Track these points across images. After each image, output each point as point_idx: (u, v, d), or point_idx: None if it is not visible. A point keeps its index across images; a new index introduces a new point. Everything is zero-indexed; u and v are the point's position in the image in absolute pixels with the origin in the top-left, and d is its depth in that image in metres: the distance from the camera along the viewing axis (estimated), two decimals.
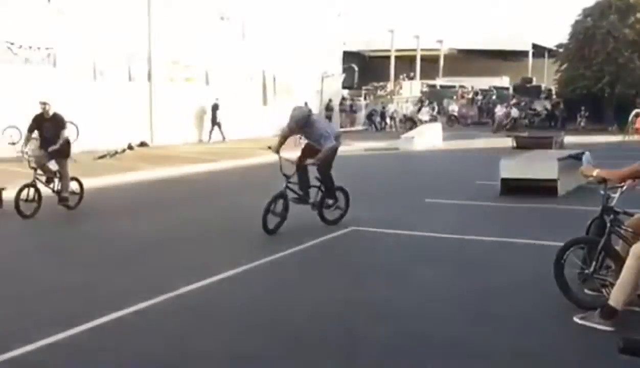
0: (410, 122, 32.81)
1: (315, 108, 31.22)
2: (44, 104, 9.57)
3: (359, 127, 35.51)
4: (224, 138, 23.78)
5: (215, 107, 23.77)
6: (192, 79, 23.30)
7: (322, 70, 31.56)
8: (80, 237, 8.67)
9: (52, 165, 9.86)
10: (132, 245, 7.85)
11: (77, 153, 17.04)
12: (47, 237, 8.82)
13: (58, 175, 9.82)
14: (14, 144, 16.11)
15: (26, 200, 9.28)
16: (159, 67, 21.62)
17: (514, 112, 34.30)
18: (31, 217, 9.25)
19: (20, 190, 9.33)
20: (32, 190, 9.44)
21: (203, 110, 24.14)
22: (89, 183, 12.90)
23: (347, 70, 36.57)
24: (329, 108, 32.06)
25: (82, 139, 17.38)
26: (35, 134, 9.88)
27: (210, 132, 24.04)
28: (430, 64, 49.67)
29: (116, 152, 17.87)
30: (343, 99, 37.21)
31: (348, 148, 23.23)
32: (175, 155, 18.23)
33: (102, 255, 7.29)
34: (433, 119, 33.01)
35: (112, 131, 18.68)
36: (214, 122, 23.86)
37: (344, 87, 37.16)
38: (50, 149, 9.43)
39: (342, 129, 24.81)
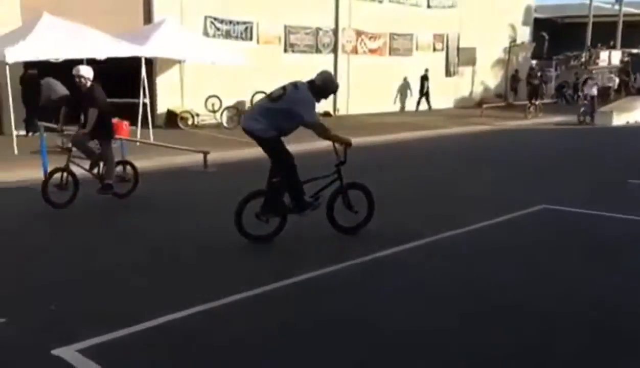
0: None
1: (500, 79, 29.78)
2: (78, 76, 7.98)
3: (548, 100, 33.22)
4: (430, 108, 24.82)
5: (424, 78, 24.58)
6: (376, 50, 23.45)
7: (509, 39, 29.91)
8: None
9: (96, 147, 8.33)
10: None
11: None
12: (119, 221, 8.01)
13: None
14: (214, 112, 17.70)
15: (59, 186, 7.92)
16: (344, 37, 22.07)
17: None
18: (64, 207, 7.83)
19: (50, 174, 7.98)
20: (64, 175, 7.99)
21: (395, 80, 24.47)
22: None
23: (537, 38, 34.26)
24: (515, 79, 30.37)
25: None
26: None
27: (418, 103, 24.80)
28: (634, 30, 44.63)
29: None
30: (531, 69, 34.99)
31: (538, 121, 22.02)
32: (360, 125, 18.58)
33: None
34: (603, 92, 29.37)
35: None
36: (422, 92, 24.75)
37: (533, 57, 34.88)
38: (81, 131, 8.04)
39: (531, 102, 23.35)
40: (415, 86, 24.77)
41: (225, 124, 17.20)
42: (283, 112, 6.02)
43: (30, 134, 14.43)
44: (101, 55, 13.41)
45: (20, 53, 12.38)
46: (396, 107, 24.60)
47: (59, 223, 7.45)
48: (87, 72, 8.03)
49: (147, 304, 4.82)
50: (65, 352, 3.94)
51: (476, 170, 11.59)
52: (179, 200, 8.77)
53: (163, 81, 17.49)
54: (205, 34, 17.98)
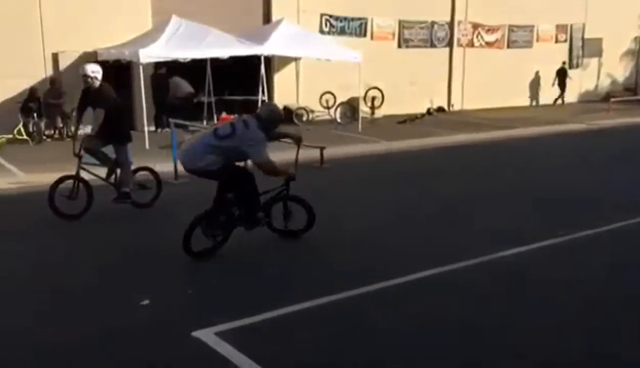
0: None
1: (629, 71, 27.78)
2: (84, 75, 7.35)
3: None
4: (562, 102, 24.08)
5: (561, 72, 23.91)
6: (493, 43, 22.71)
7: (639, 28, 27.78)
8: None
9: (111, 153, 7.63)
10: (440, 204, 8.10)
11: (380, 117, 18.46)
12: None
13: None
14: (328, 108, 17.97)
15: (69, 196, 7.20)
16: (460, 31, 21.57)
17: None
18: (77, 218, 7.17)
19: (57, 183, 7.20)
20: (75, 183, 7.27)
21: (513, 74, 23.63)
22: (395, 145, 13.72)
23: None
24: None
25: (386, 104, 18.56)
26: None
27: (560, 97, 24.14)
28: None
29: (416, 117, 18.58)
30: None
31: None
32: (469, 121, 18.11)
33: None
34: None
35: (413, 96, 19.48)
36: (563, 86, 24.05)
37: None
38: (88, 132, 7.45)
39: None
40: (547, 80, 23.84)
41: (338, 120, 17.41)
42: (230, 149, 5.79)
43: (159, 129, 15.39)
44: (224, 55, 14.04)
45: (151, 54, 13.25)
46: (518, 102, 23.62)
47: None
48: (93, 70, 7.36)
49: (281, 292, 5.03)
50: (205, 334, 4.20)
51: (604, 169, 10.94)
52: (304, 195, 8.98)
53: (280, 78, 18.00)
54: (321, 31, 18.28)
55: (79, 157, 7.29)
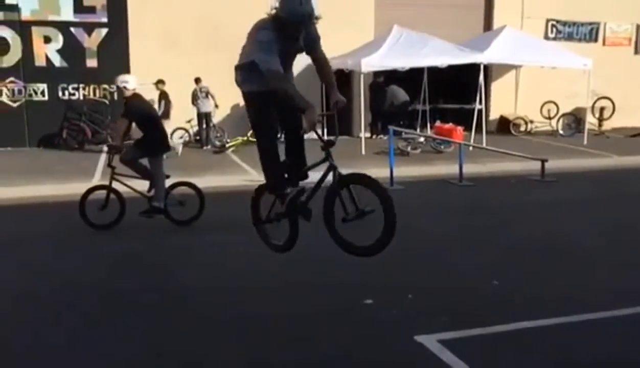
0: None
1: None
2: (117, 87, 7.44)
3: None
4: None
5: None
6: None
7: None
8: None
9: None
10: None
11: (608, 130, 16.89)
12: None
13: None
14: (549, 118, 16.93)
15: (101, 206, 7.20)
16: None
17: None
18: (106, 229, 7.19)
19: (88, 192, 7.32)
20: (106, 193, 7.26)
21: None
22: (629, 160, 12.47)
23: None
24: None
25: (616, 115, 16.95)
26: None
27: None
28: None
29: None
30: None
31: None
32: None
33: None
34: None
35: None
36: None
37: None
38: (108, 144, 7.19)
39: None
40: None
41: (561, 132, 16.32)
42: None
43: (374, 136, 15.86)
44: (442, 63, 13.98)
45: (372, 63, 13.71)
46: None
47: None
48: (123, 80, 7.30)
49: (498, 308, 4.86)
50: (427, 340, 4.19)
51: None
52: (520, 208, 8.61)
53: (497, 87, 17.43)
54: (546, 37, 17.31)
55: (112, 167, 7.27)
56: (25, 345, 4.28)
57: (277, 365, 4.00)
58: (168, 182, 7.44)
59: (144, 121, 7.28)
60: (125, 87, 7.22)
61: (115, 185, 7.36)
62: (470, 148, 12.67)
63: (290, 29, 3.84)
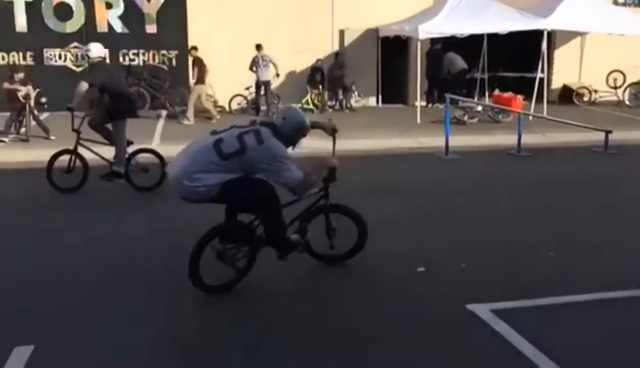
0: None
1: None
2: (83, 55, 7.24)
3: None
4: None
5: None
6: None
7: None
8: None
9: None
10: None
11: None
12: None
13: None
14: (616, 88, 16.21)
15: (65, 170, 7.36)
16: None
17: None
18: (71, 192, 7.29)
19: (54, 156, 7.40)
20: (72, 158, 7.38)
21: None
22: None
23: None
24: None
25: None
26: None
27: None
28: None
29: None
30: None
31: None
32: None
33: None
34: None
35: None
36: None
37: None
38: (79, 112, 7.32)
39: None
40: None
41: (627, 102, 15.65)
42: (239, 169, 4.28)
43: (429, 105, 15.60)
44: (503, 30, 13.54)
45: (430, 30, 13.38)
46: None
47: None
48: (87, 48, 7.49)
49: (555, 280, 4.78)
50: (479, 309, 4.18)
51: None
52: (581, 179, 8.35)
53: (561, 54, 16.77)
54: (615, 2, 16.46)
55: (78, 132, 7.34)
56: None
57: (343, 330, 4.07)
58: (132, 148, 7.53)
59: (105, 88, 7.32)
60: (87, 55, 7.46)
61: (81, 150, 7.41)
62: (530, 118, 12.31)
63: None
